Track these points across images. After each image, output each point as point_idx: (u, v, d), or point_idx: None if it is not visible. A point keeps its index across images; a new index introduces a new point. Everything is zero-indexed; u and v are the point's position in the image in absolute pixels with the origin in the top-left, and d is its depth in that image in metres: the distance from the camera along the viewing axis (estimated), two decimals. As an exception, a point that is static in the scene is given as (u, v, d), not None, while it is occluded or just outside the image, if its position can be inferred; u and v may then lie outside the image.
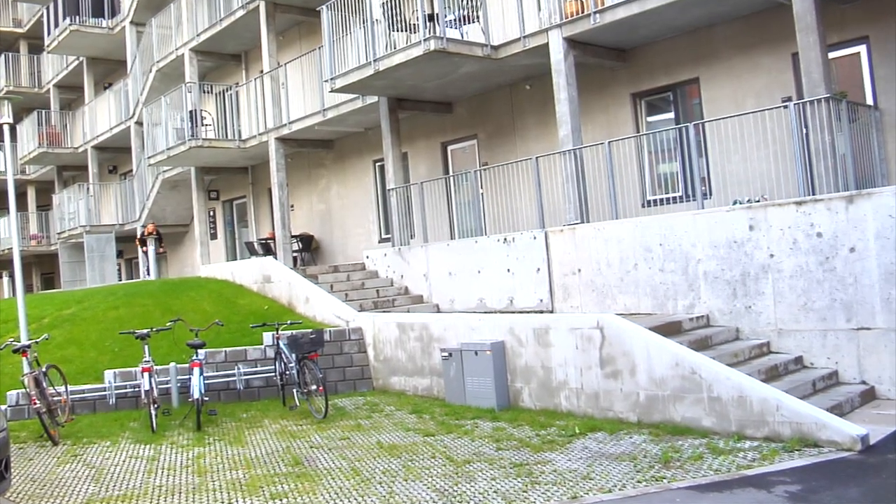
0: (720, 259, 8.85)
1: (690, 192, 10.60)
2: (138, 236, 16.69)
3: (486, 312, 11.24)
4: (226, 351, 10.28)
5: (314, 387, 8.80)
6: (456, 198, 14.41)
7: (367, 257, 14.20)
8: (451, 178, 14.32)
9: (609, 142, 10.48)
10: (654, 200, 11.20)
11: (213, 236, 21.66)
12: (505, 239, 11.46)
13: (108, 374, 9.73)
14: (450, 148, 15.02)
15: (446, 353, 9.11)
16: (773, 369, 7.85)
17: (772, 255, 8.40)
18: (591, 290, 10.29)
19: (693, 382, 7.10)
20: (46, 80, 27.94)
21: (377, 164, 16.44)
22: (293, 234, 17.55)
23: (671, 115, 11.42)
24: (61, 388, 8.82)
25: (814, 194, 8.35)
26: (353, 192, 17.02)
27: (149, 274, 15.93)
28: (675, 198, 10.81)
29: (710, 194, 10.47)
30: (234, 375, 10.06)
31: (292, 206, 18.20)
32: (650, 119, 11.81)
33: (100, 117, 24.44)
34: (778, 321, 8.38)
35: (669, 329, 8.52)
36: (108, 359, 10.47)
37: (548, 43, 11.06)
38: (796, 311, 8.19)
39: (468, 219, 13.45)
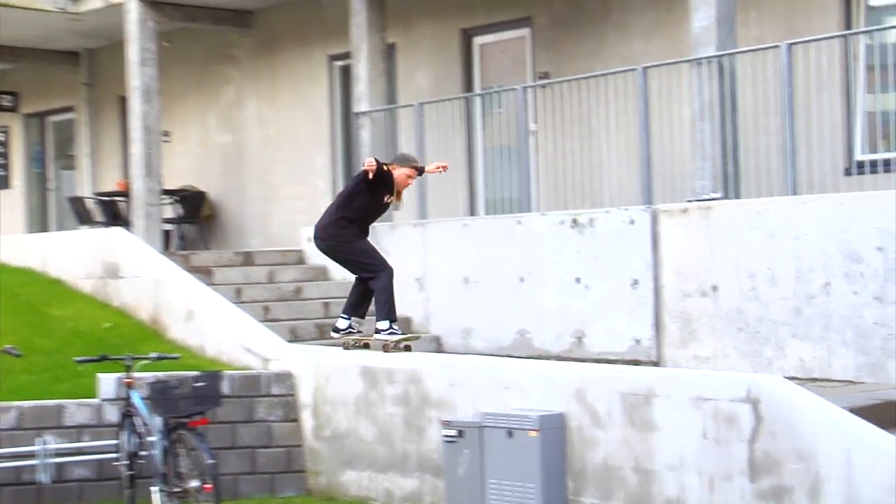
0: None
1: None
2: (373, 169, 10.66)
3: (531, 358, 11.13)
4: (20, 407, 10.19)
5: (195, 483, 8.79)
6: (485, 137, 14.44)
7: (310, 240, 14.01)
8: (478, 100, 14.30)
9: (789, 44, 10.42)
10: (872, 163, 11.04)
11: (4, 182, 21.58)
12: (575, 220, 11.49)
13: None
14: (478, 41, 15.03)
15: (453, 432, 9.07)
16: None
17: None
18: (737, 328, 10.26)
19: (939, 522, 6.95)
20: None
21: (337, 63, 16.52)
22: (168, 188, 17.51)
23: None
24: None
25: None
26: (289, 116, 17.11)
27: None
28: (910, 160, 10.75)
29: None
30: (34, 456, 9.82)
31: (167, 135, 18.16)
32: (874, 2, 11.70)
33: None
34: None
35: (892, 414, 8.34)
36: None
37: None
38: None
39: (505, 179, 13.48)
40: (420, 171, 10.46)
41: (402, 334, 10.41)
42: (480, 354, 11.77)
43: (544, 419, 8.55)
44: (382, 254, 13.34)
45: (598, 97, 12.47)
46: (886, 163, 10.78)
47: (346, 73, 15.89)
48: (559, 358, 11.19)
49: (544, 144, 13.36)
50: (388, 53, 14.88)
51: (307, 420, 10.56)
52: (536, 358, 11.13)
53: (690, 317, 10.53)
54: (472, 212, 14.33)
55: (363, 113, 13.97)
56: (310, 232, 14.21)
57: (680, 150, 11.91)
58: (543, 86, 13.07)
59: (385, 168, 10.08)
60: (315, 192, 16.62)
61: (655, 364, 10.73)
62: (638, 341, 10.93)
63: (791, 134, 10.34)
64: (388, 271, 10.34)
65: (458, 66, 14.98)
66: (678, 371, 9.54)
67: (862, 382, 9.41)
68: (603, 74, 12.20)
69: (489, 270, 12.10)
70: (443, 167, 10.63)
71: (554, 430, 8.57)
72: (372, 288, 10.40)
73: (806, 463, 7.40)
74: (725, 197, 10.82)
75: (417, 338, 10.71)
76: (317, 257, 13.92)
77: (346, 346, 10.55)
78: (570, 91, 12.72)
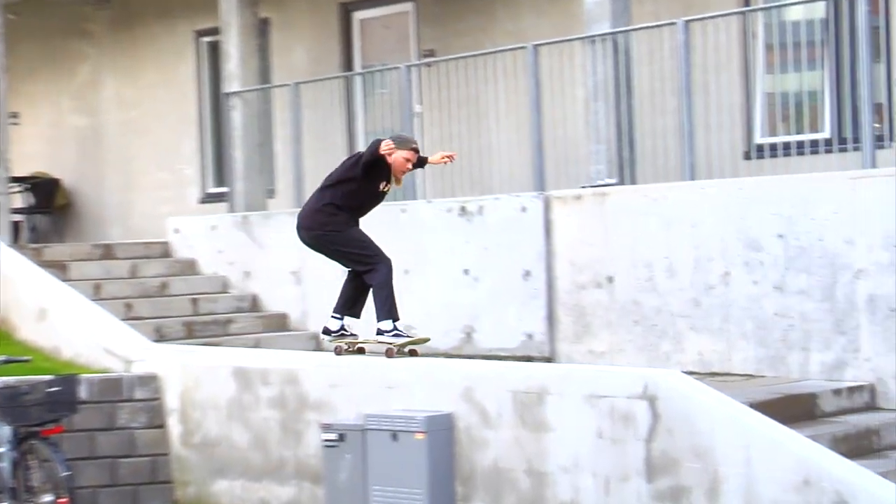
0: (904, 272, 9.04)
1: (849, 132, 10.72)
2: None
3: (418, 355, 10.93)
4: None
5: (49, 497, 8.68)
6: (366, 119, 14.43)
7: (177, 231, 14.15)
8: (359, 80, 14.29)
9: (686, 21, 10.56)
10: (772, 147, 11.26)
11: None
12: (463, 208, 11.55)
13: None
14: (358, 16, 15.03)
15: (333, 436, 9.08)
16: None
17: None
18: (633, 321, 10.39)
19: (841, 521, 7.14)
20: None
21: (205, 39, 16.42)
22: (16, 174, 16.92)
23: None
24: None
25: None
26: (153, 96, 17.00)
27: None
28: (813, 143, 10.86)
29: (892, 139, 10.53)
30: None
31: (16, 117, 17.55)
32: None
33: None
34: None
35: (793, 409, 8.57)
36: None
37: None
38: None
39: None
40: (422, 160, 9.61)
41: (408, 336, 9.53)
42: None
43: (431, 420, 8.58)
44: (255, 247, 13.35)
45: (486, 77, 12.50)
46: (786, 146, 10.95)
47: (215, 50, 15.71)
48: (447, 355, 11.21)
49: (430, 127, 13.33)
50: (262, 29, 14.77)
51: (174, 426, 10.45)
52: (423, 356, 11.16)
53: (585, 309, 10.60)
54: (354, 199, 14.34)
55: (234, 93, 13.84)
56: (176, 222, 14.27)
57: (573, 133, 11.99)
58: (428, 64, 13.04)
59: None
60: (182, 179, 16.48)
61: (548, 360, 10.78)
62: (530, 336, 10.97)
63: (689, 115, 10.46)
64: (386, 263, 9.47)
65: (336, 44, 14.95)
66: (572, 367, 9.60)
67: (762, 376, 9.61)
68: (491, 52, 12.21)
69: (372, 262, 12.11)
70: (449, 157, 9.69)
71: (441, 431, 8.61)
72: (369, 283, 9.54)
73: (704, 461, 7.53)
74: (621, 182, 10.88)
75: (427, 340, 9.89)
76: (185, 249, 13.90)
77: (339, 352, 9.72)
78: (456, 70, 12.71)
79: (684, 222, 10.08)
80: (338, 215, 9.42)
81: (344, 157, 14.15)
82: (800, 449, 7.28)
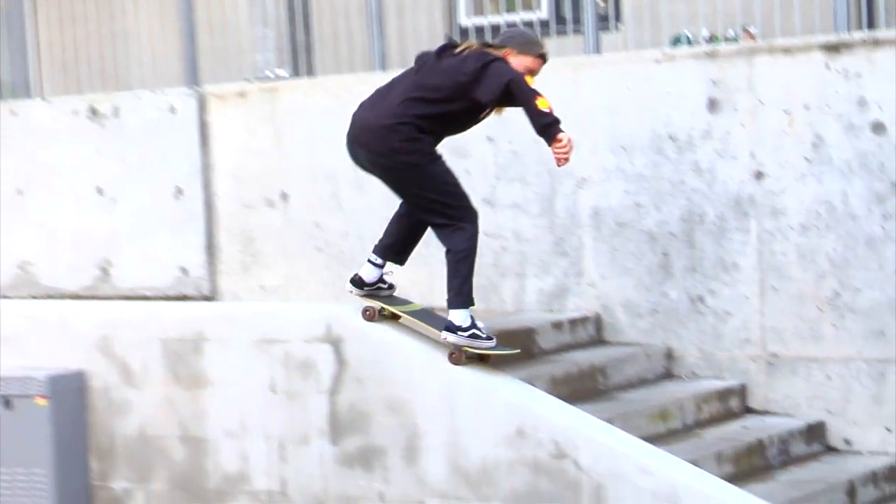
0: (635, 179, 9.41)
1: (568, 12, 10.97)
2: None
3: (37, 298, 11.16)
4: None
5: None
6: None
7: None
8: None
9: None
10: (478, 30, 11.53)
11: None
12: (93, 110, 11.46)
13: None
14: None
15: None
16: (757, 450, 8.41)
17: (759, 174, 9.04)
18: (315, 248, 10.58)
19: (561, 479, 7.35)
20: None
21: None
22: None
23: None
24: None
25: (871, 28, 9.10)
26: None
27: None
28: (527, 25, 11.11)
29: (619, 20, 11.11)
30: None
31: None
32: None
33: None
34: (768, 332, 9.06)
35: (507, 346, 8.65)
36: None
37: None
38: (814, 310, 8.85)
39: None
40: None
41: (489, 337, 7.87)
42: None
43: (56, 381, 8.56)
44: None
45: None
46: (496, 29, 11.01)
47: None
48: (78, 297, 11.13)
49: (45, 7, 13.15)
50: None
51: None
52: (45, 298, 11.08)
53: (253, 235, 10.67)
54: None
55: None
56: None
57: (234, 15, 12.04)
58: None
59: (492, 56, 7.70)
60: None
61: (209, 299, 10.85)
62: (185, 270, 10.99)
63: (378, -8, 10.63)
64: (475, 220, 7.82)
65: None
66: (237, 306, 9.69)
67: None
68: None
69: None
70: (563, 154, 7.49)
71: (69, 393, 8.60)
72: (446, 246, 7.81)
73: (401, 415, 7.77)
74: (296, 75, 10.99)
75: (518, 351, 8.37)
76: None
77: (371, 317, 8.12)
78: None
79: (371, 123, 10.23)
80: (421, 140, 7.76)
81: None
82: (512, 395, 7.54)
